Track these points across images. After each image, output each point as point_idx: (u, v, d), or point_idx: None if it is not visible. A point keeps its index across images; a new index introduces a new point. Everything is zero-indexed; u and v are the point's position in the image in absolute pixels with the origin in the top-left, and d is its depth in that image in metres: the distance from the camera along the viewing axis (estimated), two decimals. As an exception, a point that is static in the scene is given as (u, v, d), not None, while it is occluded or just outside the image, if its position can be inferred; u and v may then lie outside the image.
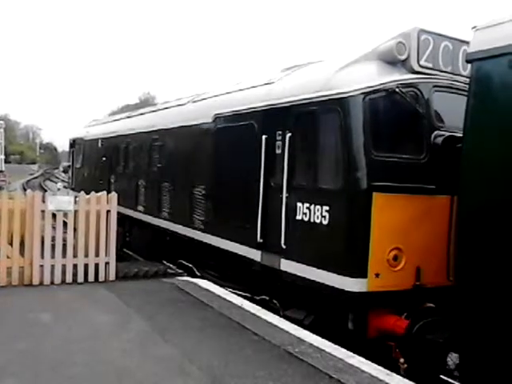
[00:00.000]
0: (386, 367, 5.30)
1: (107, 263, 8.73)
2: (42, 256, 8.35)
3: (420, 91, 6.48)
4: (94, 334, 6.09)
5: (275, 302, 7.56)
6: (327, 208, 6.40)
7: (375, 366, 5.13)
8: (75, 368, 5.05)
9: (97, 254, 8.67)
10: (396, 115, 6.39)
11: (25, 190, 31.17)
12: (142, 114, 14.04)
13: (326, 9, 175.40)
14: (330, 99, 6.48)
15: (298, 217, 6.86)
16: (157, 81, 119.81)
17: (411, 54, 6.50)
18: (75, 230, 8.67)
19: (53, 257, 8.42)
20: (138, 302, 7.42)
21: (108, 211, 8.77)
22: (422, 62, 6.58)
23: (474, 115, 4.80)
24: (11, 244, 8.29)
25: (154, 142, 11.68)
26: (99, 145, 16.26)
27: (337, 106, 6.37)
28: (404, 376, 5.40)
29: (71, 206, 8.58)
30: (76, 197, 8.89)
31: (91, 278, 8.61)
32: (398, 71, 6.50)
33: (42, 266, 8.33)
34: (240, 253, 8.10)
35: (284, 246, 7.05)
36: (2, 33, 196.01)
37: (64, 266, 8.48)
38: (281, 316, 7.05)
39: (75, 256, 8.58)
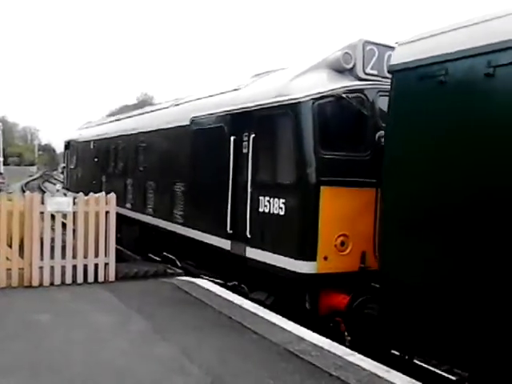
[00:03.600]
0: (334, 340, 6.18)
1: (106, 264, 8.84)
2: (42, 257, 8.41)
3: (366, 96, 7.35)
4: (93, 334, 6.14)
5: (243, 286, 8.46)
6: (283, 201, 7.30)
7: (375, 363, 5.22)
8: (75, 368, 5.09)
9: (96, 255, 8.76)
10: (343, 118, 7.27)
11: (24, 191, 31.91)
12: (129, 116, 14.98)
13: (330, 9, 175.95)
14: (284, 104, 7.37)
15: (260, 209, 7.76)
16: (155, 81, 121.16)
17: (357, 63, 7.38)
18: (74, 231, 8.74)
19: (52, 258, 8.50)
20: (138, 302, 7.48)
21: (107, 212, 8.86)
22: (368, 70, 7.46)
23: (392, 120, 5.70)
24: (10, 246, 8.35)
25: (140, 143, 12.59)
26: (91, 146, 17.19)
27: (290, 110, 7.27)
28: (348, 346, 6.28)
29: (70, 207, 8.64)
30: (75, 198, 8.97)
31: (91, 278, 8.70)
32: (345, 79, 7.38)
33: (41, 267, 8.41)
34: (214, 243, 9.00)
35: (249, 236, 7.94)
36: (0, 34, 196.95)
37: (63, 267, 8.56)
38: (248, 298, 7.94)
39: (74, 257, 8.66)
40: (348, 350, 5.55)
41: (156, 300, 7.68)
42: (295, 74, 7.61)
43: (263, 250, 7.67)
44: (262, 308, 7.14)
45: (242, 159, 8.24)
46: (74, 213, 8.70)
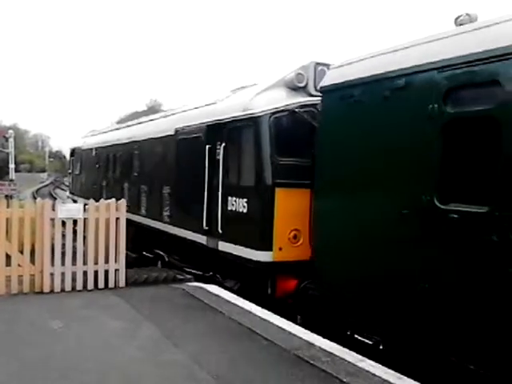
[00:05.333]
0: (288, 318, 7.41)
1: (117, 270, 8.97)
2: (53, 264, 8.54)
3: (316, 110, 8.62)
4: (104, 340, 6.22)
5: (218, 276, 9.75)
6: (246, 200, 8.61)
7: (385, 369, 5.27)
8: (86, 375, 5.15)
9: (106, 261, 8.89)
10: (295, 129, 8.54)
11: (35, 198, 33.03)
12: (126, 126, 16.41)
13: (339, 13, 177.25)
14: (247, 118, 8.68)
15: (229, 208, 9.06)
16: (164, 88, 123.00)
17: (309, 82, 8.66)
18: (85, 237, 8.86)
19: (63, 264, 8.62)
20: (148, 308, 7.59)
21: (117, 218, 9.01)
22: (319, 87, 8.73)
23: (320, 133, 6.99)
24: (22, 252, 8.47)
25: (134, 151, 13.98)
26: (93, 153, 18.63)
27: (251, 123, 8.57)
28: (300, 324, 7.52)
29: (81, 213, 8.77)
30: (85, 204, 9.16)
31: (101, 284, 8.82)
32: (299, 95, 8.66)
33: (52, 273, 8.53)
34: (193, 239, 10.31)
35: (220, 231, 9.25)
36: (11, 42, 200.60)
37: (74, 274, 8.70)
38: (222, 286, 9.22)
39: (85, 263, 8.79)
40: (359, 356, 5.60)
41: (166, 306, 7.79)
42: (257, 92, 8.91)
43: (231, 243, 8.97)
44: (271, 314, 7.28)
45: (215, 165, 9.55)
46: (85, 219, 8.83)
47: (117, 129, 17.74)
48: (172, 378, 5.10)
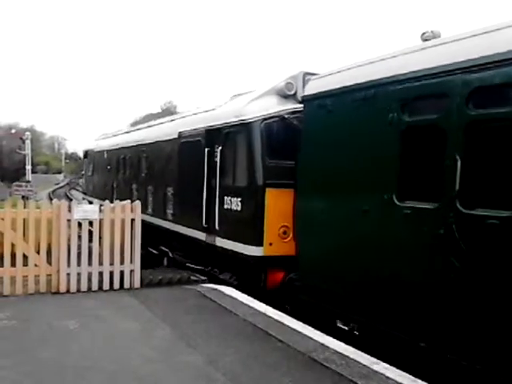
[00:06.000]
0: (278, 309, 8.13)
1: (132, 271, 9.13)
2: (69, 264, 8.70)
3: (304, 116, 9.35)
4: (119, 340, 6.31)
5: (216, 269, 10.53)
6: (240, 199, 9.37)
7: (400, 372, 5.28)
8: (100, 375, 5.22)
9: (122, 262, 9.04)
10: (285, 133, 9.28)
11: (51, 199, 33.84)
12: (136, 130, 17.29)
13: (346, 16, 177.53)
14: (241, 123, 9.45)
15: (225, 206, 9.84)
16: (179, 90, 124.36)
17: (298, 90, 9.39)
18: (100, 238, 9.03)
19: (79, 265, 8.79)
20: (163, 309, 7.72)
21: (132, 219, 9.15)
22: (301, 97, 9.41)
23: (303, 138, 7.73)
24: (38, 252, 8.63)
25: (142, 153, 14.84)
26: (105, 156, 19.55)
27: (244, 128, 9.34)
28: (289, 314, 8.25)
29: (96, 214, 8.94)
30: (101, 205, 9.36)
31: (117, 285, 8.98)
32: (289, 103, 9.40)
33: (68, 274, 8.70)
34: (194, 236, 11.10)
35: (218, 228, 10.03)
36: (28, 45, 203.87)
37: (90, 274, 8.87)
38: (219, 278, 9.99)
39: (101, 264, 8.95)
40: (373, 359, 5.62)
41: (181, 307, 7.89)
42: (251, 99, 9.68)
43: (227, 238, 9.74)
44: (286, 316, 7.39)
45: (213, 167, 10.33)
46: (100, 220, 9.02)
47: (126, 132, 18.65)
48: (187, 378, 5.17)
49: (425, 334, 5.65)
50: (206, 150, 10.54)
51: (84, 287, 8.79)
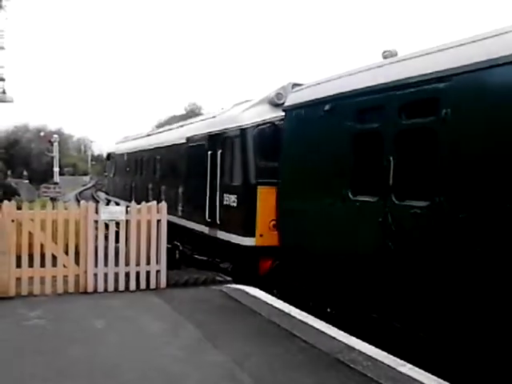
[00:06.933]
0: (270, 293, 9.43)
1: (158, 271, 9.25)
2: (96, 264, 8.85)
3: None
4: (146, 340, 6.41)
5: (217, 259, 11.90)
6: (236, 196, 10.73)
7: (427, 374, 5.27)
8: (128, 374, 5.32)
9: (148, 262, 9.17)
10: (275, 138, 10.59)
11: (78, 200, 35.05)
12: (151, 134, 18.86)
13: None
14: (237, 129, 10.81)
15: (225, 203, 11.20)
16: (203, 91, 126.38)
17: (287, 100, 10.70)
18: (127, 239, 9.18)
19: (106, 265, 8.91)
20: (189, 310, 7.81)
21: (158, 220, 9.35)
22: (282, 108, 10.64)
23: (283, 143, 9.05)
24: (67, 253, 8.80)
25: (156, 156, 16.35)
26: (125, 158, 21.15)
27: (240, 133, 10.70)
28: (277, 297, 9.55)
29: (123, 215, 9.05)
30: (128, 207, 9.56)
31: (143, 285, 9.10)
32: (279, 111, 10.70)
33: (95, 274, 8.85)
34: (199, 230, 12.50)
35: (218, 222, 11.40)
36: (56, 48, 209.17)
37: (117, 274, 8.99)
38: (219, 268, 11.35)
39: (127, 264, 9.06)
40: (399, 361, 5.64)
41: (206, 307, 8.00)
42: (246, 107, 11.04)
43: (226, 231, 11.11)
44: (310, 316, 7.39)
45: (214, 168, 11.71)
46: (127, 221, 9.17)
47: (144, 136, 20.23)
48: (213, 378, 5.24)
49: (375, 306, 6.91)
50: (209, 152, 11.93)
51: (111, 287, 8.94)
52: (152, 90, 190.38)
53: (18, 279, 8.42)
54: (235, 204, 10.76)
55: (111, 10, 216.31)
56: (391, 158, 6.37)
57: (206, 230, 12.13)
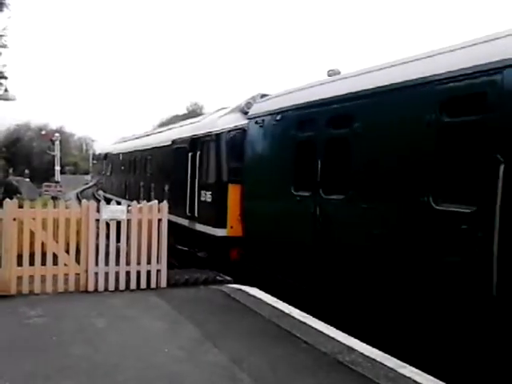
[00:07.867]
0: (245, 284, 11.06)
1: (159, 270, 9.31)
2: (97, 263, 8.90)
3: (261, 128, 12.33)
4: (146, 340, 6.43)
5: (196, 249, 13.57)
6: (210, 193, 12.41)
7: (427, 376, 5.30)
8: (128, 373, 5.37)
9: (148, 262, 9.23)
10: (243, 142, 12.24)
11: (79, 199, 36.13)
12: (144, 136, 20.58)
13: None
14: (212, 134, 12.49)
15: (202, 199, 12.88)
16: (205, 91, 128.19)
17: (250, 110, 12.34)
18: (128, 238, 9.24)
19: (107, 264, 8.96)
20: (189, 309, 7.86)
21: (159, 220, 9.45)
22: (246, 117, 12.26)
23: (245, 147, 10.73)
24: (68, 252, 8.82)
25: (147, 156, 18.08)
26: (120, 158, 22.88)
27: (215, 137, 12.38)
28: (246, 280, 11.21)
29: (124, 215, 9.12)
30: (129, 206, 9.71)
31: (143, 285, 9.15)
32: (249, 118, 12.37)
33: (96, 273, 8.90)
34: (182, 223, 14.18)
35: (197, 215, 13.08)
36: (58, 47, 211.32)
37: (117, 274, 9.03)
38: (197, 257, 13.01)
39: (128, 264, 9.11)
40: (400, 362, 5.65)
41: (207, 307, 8.07)
42: (221, 114, 12.74)
43: (203, 224, 12.78)
44: (310, 317, 7.46)
45: (194, 168, 13.40)
46: (128, 220, 9.21)
47: (138, 137, 21.98)
48: (212, 378, 5.28)
49: (305, 280, 8.57)
50: (190, 154, 13.60)
51: (111, 286, 9.01)
52: (154, 89, 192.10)
53: (19, 277, 8.51)
54: (210, 199, 12.43)
55: (115, 8, 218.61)
56: (319, 161, 8.04)
57: (186, 222, 13.80)
